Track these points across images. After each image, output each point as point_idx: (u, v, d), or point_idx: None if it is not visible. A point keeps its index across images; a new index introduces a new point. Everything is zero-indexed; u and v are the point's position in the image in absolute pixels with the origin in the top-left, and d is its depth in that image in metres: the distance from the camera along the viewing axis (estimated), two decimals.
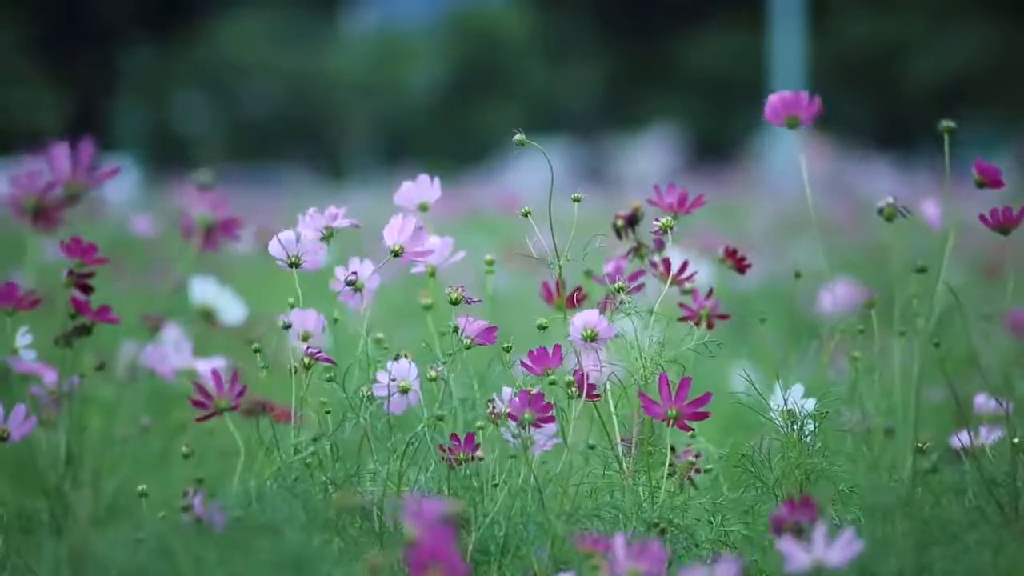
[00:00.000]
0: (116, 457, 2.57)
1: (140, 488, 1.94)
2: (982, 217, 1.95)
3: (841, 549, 1.65)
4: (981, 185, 1.95)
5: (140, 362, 2.92)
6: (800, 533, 1.70)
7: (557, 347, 1.93)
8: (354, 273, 2.00)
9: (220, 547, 1.66)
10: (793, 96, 2.01)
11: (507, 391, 1.93)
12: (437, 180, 2.06)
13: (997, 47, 26.38)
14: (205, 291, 2.87)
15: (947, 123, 1.93)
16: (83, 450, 1.77)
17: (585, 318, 1.95)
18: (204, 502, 1.85)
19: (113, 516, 2.20)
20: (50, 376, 1.96)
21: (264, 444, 1.90)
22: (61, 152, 1.73)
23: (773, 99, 2.01)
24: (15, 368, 1.93)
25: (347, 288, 1.99)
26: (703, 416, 1.91)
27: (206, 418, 1.93)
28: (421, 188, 2.05)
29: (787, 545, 1.66)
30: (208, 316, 2.85)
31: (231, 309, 2.87)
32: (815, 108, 2.00)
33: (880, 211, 1.97)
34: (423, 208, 2.06)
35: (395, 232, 1.97)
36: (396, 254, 1.98)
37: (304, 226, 2.00)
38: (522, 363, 1.93)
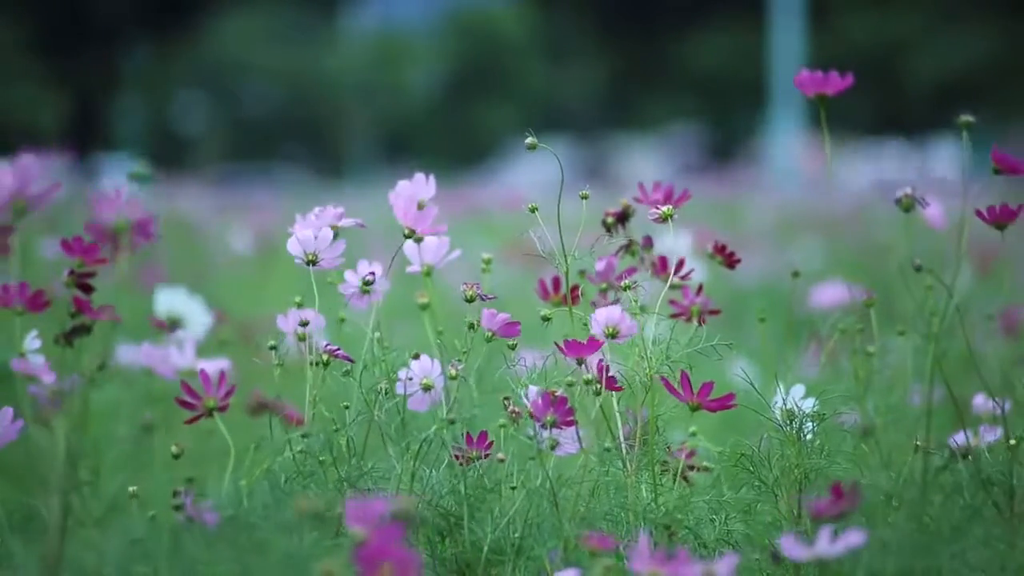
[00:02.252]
0: (116, 457, 2.56)
1: (131, 489, 1.93)
2: (979, 212, 1.93)
3: (842, 543, 1.64)
4: (998, 172, 1.92)
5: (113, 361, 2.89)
6: None
7: (592, 339, 1.91)
8: (372, 274, 1.99)
9: (212, 546, 1.65)
10: (822, 75, 2.02)
11: (532, 390, 1.92)
12: (432, 178, 2.06)
13: (999, 46, 26.36)
14: (172, 300, 2.83)
15: (966, 118, 1.90)
16: (83, 450, 1.77)
17: (608, 314, 1.93)
18: (195, 502, 1.83)
19: (113, 516, 2.20)
20: (49, 377, 1.95)
21: (263, 443, 1.89)
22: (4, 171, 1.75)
23: (804, 75, 2.02)
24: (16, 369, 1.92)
25: (355, 289, 1.99)
26: (727, 407, 1.90)
27: (196, 419, 1.91)
28: (418, 186, 2.06)
29: (787, 542, 1.65)
30: (175, 324, 2.82)
31: (198, 318, 2.83)
32: (846, 83, 2.00)
33: (898, 201, 1.96)
34: (420, 206, 2.06)
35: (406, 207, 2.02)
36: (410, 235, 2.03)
37: (306, 225, 2.00)
38: (557, 346, 1.90)
